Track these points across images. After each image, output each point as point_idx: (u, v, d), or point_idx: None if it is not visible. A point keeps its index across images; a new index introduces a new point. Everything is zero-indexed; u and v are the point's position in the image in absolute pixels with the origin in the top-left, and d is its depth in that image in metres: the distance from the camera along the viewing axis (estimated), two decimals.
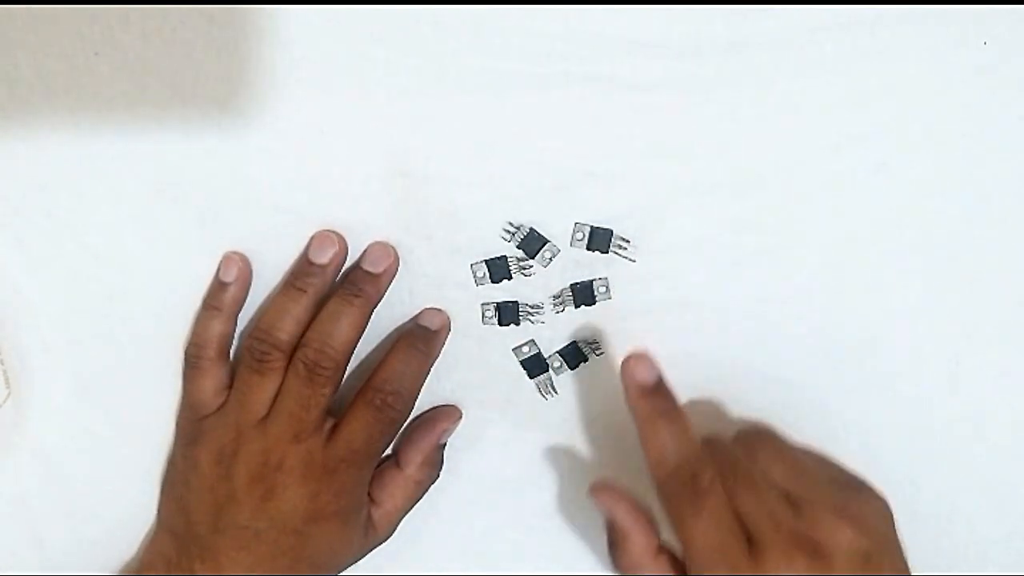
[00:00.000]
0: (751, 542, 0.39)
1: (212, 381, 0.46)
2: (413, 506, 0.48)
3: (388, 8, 0.44)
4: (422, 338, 0.46)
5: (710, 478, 0.40)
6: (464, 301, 0.47)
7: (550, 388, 0.48)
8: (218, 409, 0.45)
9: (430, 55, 0.45)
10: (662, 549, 0.42)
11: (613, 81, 0.45)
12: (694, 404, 0.48)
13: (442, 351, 0.47)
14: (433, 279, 0.47)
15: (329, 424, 0.45)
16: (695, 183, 0.46)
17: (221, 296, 0.46)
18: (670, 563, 0.41)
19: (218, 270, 0.46)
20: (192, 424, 0.46)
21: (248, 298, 0.47)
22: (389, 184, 0.46)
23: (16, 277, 0.47)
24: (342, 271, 0.46)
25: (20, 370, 0.48)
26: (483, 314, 0.47)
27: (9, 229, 0.47)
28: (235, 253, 0.46)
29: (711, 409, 0.48)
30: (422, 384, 0.46)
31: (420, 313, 0.47)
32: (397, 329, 0.47)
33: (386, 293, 0.46)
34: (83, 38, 0.45)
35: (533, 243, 0.46)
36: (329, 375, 0.44)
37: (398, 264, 0.46)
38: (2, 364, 0.48)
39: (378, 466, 0.47)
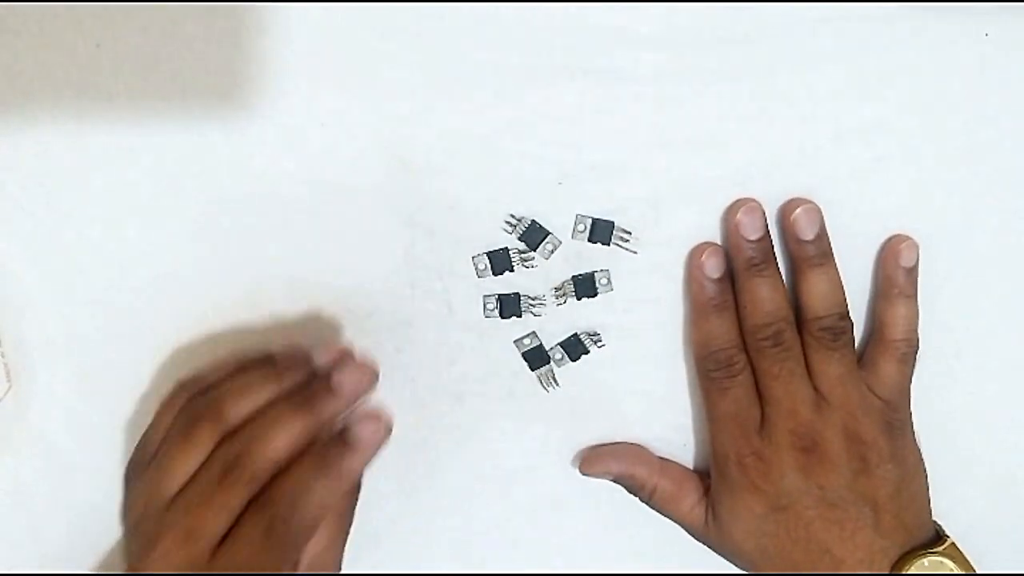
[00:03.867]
0: (764, 420, 0.45)
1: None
2: (340, 550, 0.44)
3: (390, 2, 0.44)
4: (337, 455, 0.40)
5: (742, 366, 0.46)
6: (465, 293, 0.47)
7: (551, 380, 0.48)
8: (154, 456, 0.43)
9: (432, 48, 0.45)
10: (665, 464, 0.48)
11: (614, 74, 0.45)
12: (695, 393, 0.48)
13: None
14: (435, 271, 0.47)
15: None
16: (696, 175, 0.46)
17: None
18: (679, 469, 0.48)
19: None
20: (140, 459, 0.44)
21: (235, 295, 0.46)
22: (390, 177, 0.46)
23: (17, 269, 0.47)
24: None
25: (21, 363, 0.48)
26: (484, 306, 0.47)
27: (10, 221, 0.47)
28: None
29: None
30: (330, 507, 0.41)
31: (350, 417, 0.41)
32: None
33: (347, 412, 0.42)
34: (84, 30, 0.45)
35: (535, 235, 0.46)
36: (243, 484, 0.40)
37: (374, 384, 0.42)
38: (3, 357, 0.48)
39: None
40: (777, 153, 0.46)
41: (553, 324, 0.48)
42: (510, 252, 0.47)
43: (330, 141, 0.46)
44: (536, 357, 0.48)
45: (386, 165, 0.46)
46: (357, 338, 0.46)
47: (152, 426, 0.44)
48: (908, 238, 0.46)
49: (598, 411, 0.49)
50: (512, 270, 0.47)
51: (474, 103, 0.45)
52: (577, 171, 0.46)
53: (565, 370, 0.48)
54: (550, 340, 0.48)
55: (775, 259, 0.46)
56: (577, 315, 0.48)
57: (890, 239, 0.47)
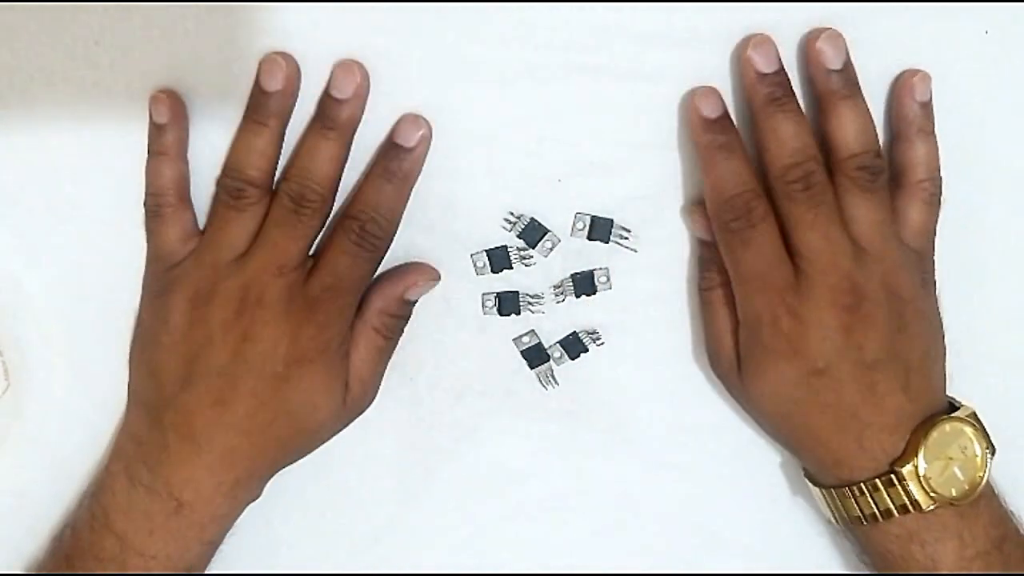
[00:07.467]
0: (800, 275, 0.42)
1: (178, 227, 0.45)
2: (379, 366, 0.46)
3: (390, 2, 0.44)
4: (396, 159, 0.44)
5: (762, 212, 0.42)
6: (464, 291, 0.47)
7: (550, 378, 0.48)
8: (189, 254, 0.44)
9: (431, 46, 0.45)
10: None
11: (614, 71, 0.45)
12: (695, 392, 0.48)
13: (422, 166, 0.45)
14: None
15: (310, 262, 0.44)
16: (696, 173, 0.46)
17: (161, 140, 0.44)
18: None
19: (150, 114, 0.45)
20: (160, 276, 0.45)
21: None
22: None
23: (16, 269, 0.47)
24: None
25: (19, 362, 0.48)
26: (483, 304, 0.47)
27: (9, 221, 0.47)
28: (161, 92, 0.45)
29: (712, 397, 0.48)
30: (403, 208, 0.45)
31: (396, 125, 0.45)
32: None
33: (363, 113, 0.44)
34: (83, 28, 0.45)
35: (533, 233, 0.46)
36: (316, 207, 0.43)
37: (368, 83, 0.44)
38: (1, 356, 0.48)
39: None
40: None
41: (552, 322, 0.48)
42: (509, 250, 0.47)
43: None
44: (535, 355, 0.48)
45: None
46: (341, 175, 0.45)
47: (157, 239, 0.45)
48: (919, 71, 0.44)
49: (597, 409, 0.49)
50: (511, 268, 0.47)
51: (473, 100, 0.45)
52: (576, 168, 0.46)
53: (564, 368, 0.48)
54: (549, 338, 0.48)
55: (795, 96, 0.43)
56: (576, 313, 0.48)
57: (900, 75, 0.44)
